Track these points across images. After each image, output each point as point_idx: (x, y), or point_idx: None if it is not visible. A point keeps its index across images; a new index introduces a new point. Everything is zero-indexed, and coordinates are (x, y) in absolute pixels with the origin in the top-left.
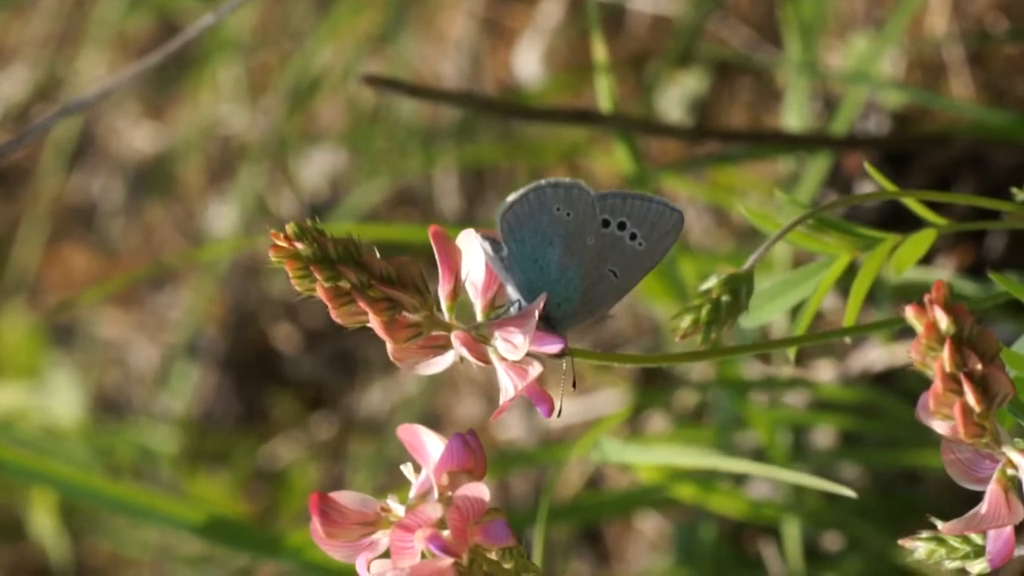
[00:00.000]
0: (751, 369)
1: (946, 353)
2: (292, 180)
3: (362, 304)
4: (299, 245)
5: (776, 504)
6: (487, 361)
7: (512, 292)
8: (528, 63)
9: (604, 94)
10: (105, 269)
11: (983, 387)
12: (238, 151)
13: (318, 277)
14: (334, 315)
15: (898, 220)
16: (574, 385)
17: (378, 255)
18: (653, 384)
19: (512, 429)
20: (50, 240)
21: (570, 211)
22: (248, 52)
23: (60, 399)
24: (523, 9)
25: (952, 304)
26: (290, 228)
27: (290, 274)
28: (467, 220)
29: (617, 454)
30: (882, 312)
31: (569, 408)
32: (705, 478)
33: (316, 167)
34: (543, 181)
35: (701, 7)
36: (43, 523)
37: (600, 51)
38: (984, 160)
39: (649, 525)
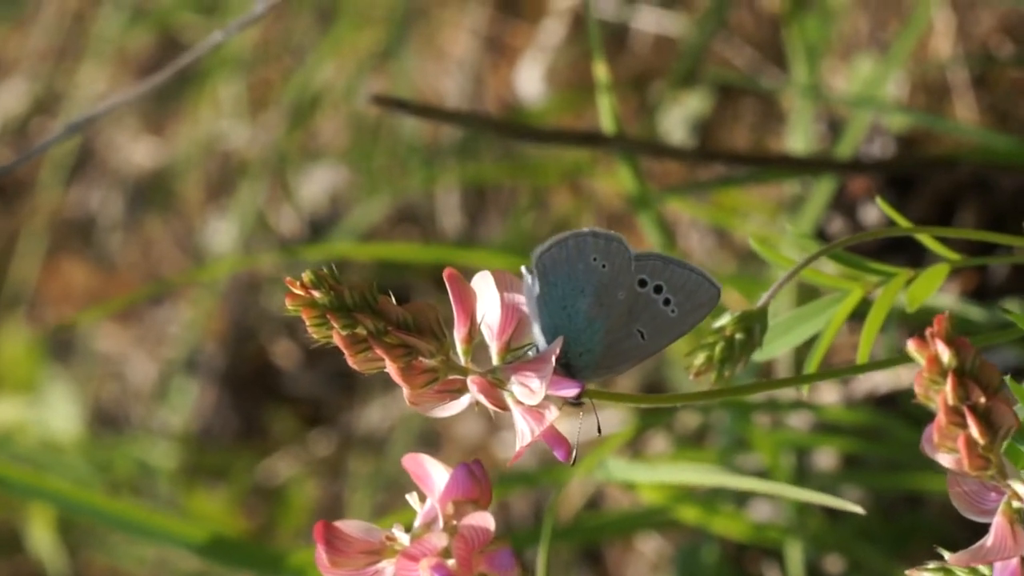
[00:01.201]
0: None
1: (949, 386)
2: (292, 196)
3: (379, 351)
4: (316, 293)
5: (779, 527)
6: (504, 407)
7: (537, 334)
8: (530, 81)
9: (606, 114)
10: (104, 284)
11: (987, 420)
12: (238, 167)
13: (335, 325)
14: (351, 362)
15: (902, 245)
16: (599, 430)
17: (394, 300)
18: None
19: (513, 449)
20: (49, 254)
21: (606, 263)
22: (249, 68)
23: (58, 413)
24: (525, 27)
25: (954, 337)
26: (307, 276)
27: (307, 322)
28: (469, 239)
29: (622, 472)
30: (888, 338)
31: (569, 429)
32: (708, 500)
33: (317, 184)
34: (585, 229)
35: (705, 28)
36: (41, 537)
37: (602, 71)
38: (989, 184)
39: (650, 546)
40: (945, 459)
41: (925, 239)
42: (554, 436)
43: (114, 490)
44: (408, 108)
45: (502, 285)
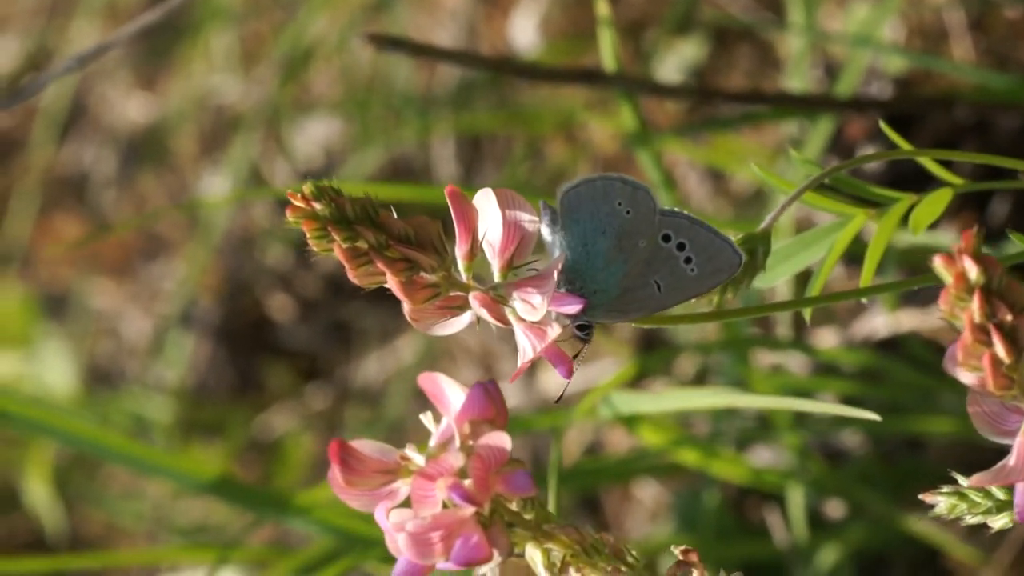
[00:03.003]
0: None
1: (976, 304)
2: (286, 150)
3: (380, 265)
4: (317, 205)
5: (779, 471)
6: (505, 322)
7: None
8: (524, 31)
9: (608, 52)
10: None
11: (1012, 339)
12: (231, 121)
13: (336, 237)
14: (351, 275)
15: (902, 184)
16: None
17: (395, 215)
18: (654, 350)
19: (511, 397)
20: (42, 211)
21: (630, 209)
22: (241, 21)
23: (53, 370)
24: None
25: (981, 254)
26: (307, 188)
27: (308, 234)
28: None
29: (627, 404)
30: (888, 278)
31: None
32: (707, 444)
33: (310, 136)
34: (614, 174)
35: None
36: (37, 493)
37: (603, 7)
38: (987, 124)
39: (648, 494)
40: (968, 377)
41: (929, 163)
42: (555, 353)
43: None
44: (403, 47)
45: (504, 203)
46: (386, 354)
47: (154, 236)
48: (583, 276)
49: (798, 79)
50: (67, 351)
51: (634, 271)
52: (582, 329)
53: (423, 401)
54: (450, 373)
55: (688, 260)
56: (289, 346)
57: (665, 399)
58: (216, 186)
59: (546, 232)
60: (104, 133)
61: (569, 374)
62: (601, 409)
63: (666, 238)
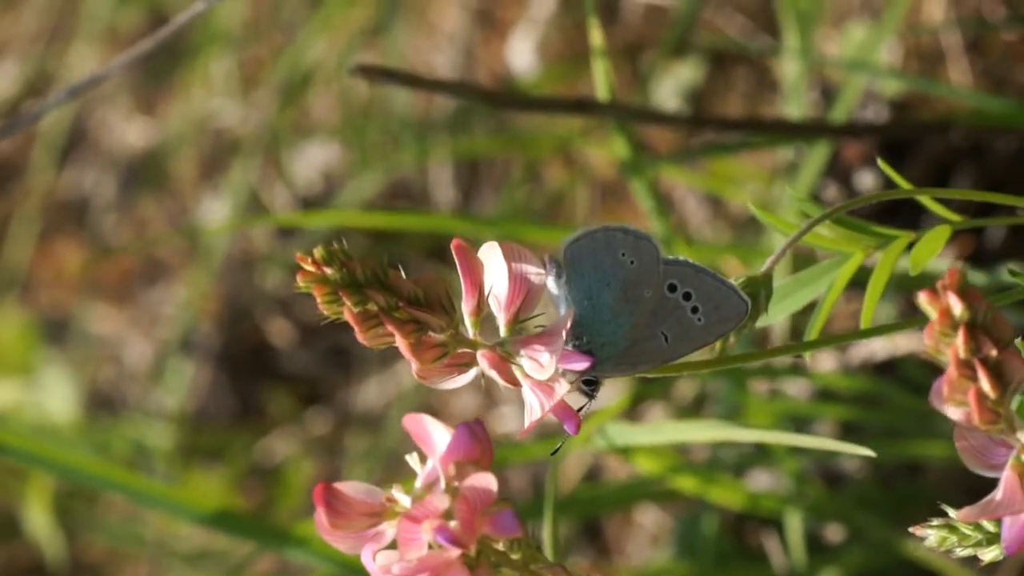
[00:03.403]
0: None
1: (960, 339)
2: (285, 174)
3: (390, 327)
4: (328, 270)
5: (777, 496)
6: (515, 384)
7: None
8: (521, 54)
9: (601, 81)
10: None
11: (997, 373)
12: (230, 145)
13: (347, 302)
14: (361, 338)
15: (897, 211)
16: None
17: (403, 274)
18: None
19: (509, 422)
20: (42, 236)
21: (634, 259)
22: (239, 45)
23: (54, 396)
24: (516, 0)
25: (966, 290)
26: (318, 252)
27: (318, 299)
28: (462, 213)
29: (623, 436)
30: (887, 303)
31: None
32: (705, 470)
33: (309, 161)
34: (614, 224)
35: None
36: (38, 520)
37: (596, 36)
38: (983, 148)
39: (649, 519)
40: (954, 412)
41: (926, 201)
42: (564, 410)
43: None
44: (395, 78)
45: (509, 256)
46: (386, 378)
47: (154, 261)
48: (590, 330)
49: (795, 103)
50: (68, 377)
51: (641, 322)
52: (588, 384)
53: None
54: (448, 398)
55: (695, 310)
56: (289, 371)
57: (662, 431)
58: (215, 210)
59: (551, 285)
60: (104, 157)
61: (577, 430)
62: (597, 440)
63: (672, 288)
